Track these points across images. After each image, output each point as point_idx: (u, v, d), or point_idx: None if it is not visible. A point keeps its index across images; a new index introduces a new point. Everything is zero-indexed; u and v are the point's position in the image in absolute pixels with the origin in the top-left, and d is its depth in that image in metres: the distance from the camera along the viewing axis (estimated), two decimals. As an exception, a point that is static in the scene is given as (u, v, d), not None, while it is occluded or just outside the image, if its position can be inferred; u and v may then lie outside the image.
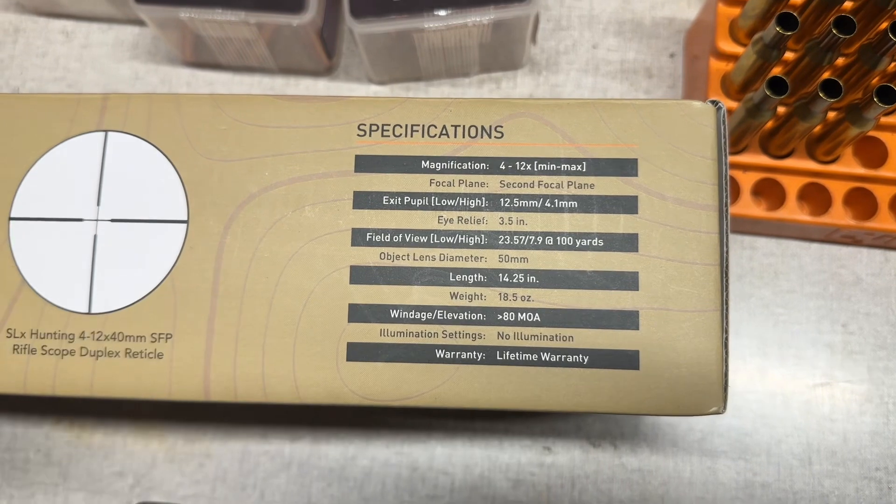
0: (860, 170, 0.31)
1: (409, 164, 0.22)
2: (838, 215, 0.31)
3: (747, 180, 0.31)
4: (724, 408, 0.21)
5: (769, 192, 0.32)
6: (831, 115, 0.29)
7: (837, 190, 0.31)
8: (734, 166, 0.31)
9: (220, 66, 0.35)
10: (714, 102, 0.22)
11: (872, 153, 0.31)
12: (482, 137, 0.23)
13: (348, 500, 0.31)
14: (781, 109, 0.29)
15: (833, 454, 0.31)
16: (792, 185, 0.31)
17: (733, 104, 0.31)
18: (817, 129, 0.30)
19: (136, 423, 0.32)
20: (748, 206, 0.31)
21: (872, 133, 0.30)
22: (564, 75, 0.35)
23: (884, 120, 0.30)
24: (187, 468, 0.32)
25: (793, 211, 0.31)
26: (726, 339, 0.21)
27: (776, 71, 0.29)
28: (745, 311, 0.32)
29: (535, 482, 0.31)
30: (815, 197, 0.31)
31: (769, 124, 0.30)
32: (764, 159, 0.31)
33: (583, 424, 0.31)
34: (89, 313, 0.22)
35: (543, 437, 0.31)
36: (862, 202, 0.31)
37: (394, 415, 0.32)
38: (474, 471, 0.31)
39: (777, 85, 0.26)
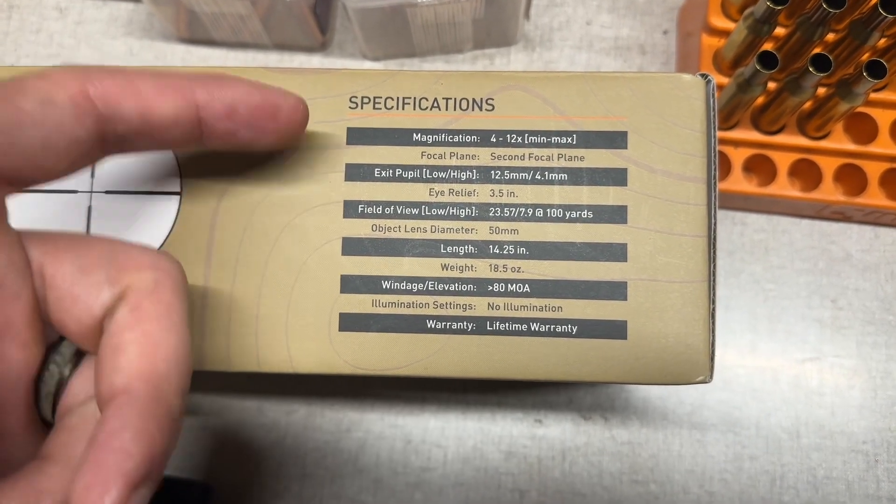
0: (851, 146, 0.31)
1: (400, 137, 0.23)
2: (828, 191, 0.31)
3: (738, 156, 0.31)
4: (711, 377, 0.21)
5: (760, 168, 0.32)
6: (821, 91, 0.29)
7: (828, 166, 0.31)
8: (726, 142, 0.31)
9: (215, 43, 0.36)
10: (703, 75, 0.22)
11: (863, 129, 0.31)
12: (473, 110, 0.23)
13: (343, 473, 0.31)
14: (772, 85, 0.29)
15: (821, 428, 0.32)
16: (783, 160, 0.31)
17: (725, 80, 0.31)
18: (808, 104, 0.30)
19: (132, 397, 0.32)
20: (739, 182, 0.31)
21: (863, 109, 0.31)
22: (558, 52, 0.35)
23: (874, 96, 0.30)
24: (183, 441, 0.32)
25: (783, 187, 0.31)
26: (713, 309, 0.22)
27: (767, 46, 0.29)
28: (736, 287, 0.33)
29: (526, 454, 0.31)
30: (806, 173, 0.32)
31: (760, 100, 0.30)
32: (755, 135, 0.31)
33: (574, 397, 0.32)
34: (84, 284, 0.22)
35: (535, 409, 0.32)
36: (852, 178, 0.31)
37: (387, 388, 0.32)
38: (467, 443, 0.32)
39: (767, 59, 0.27)
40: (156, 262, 0.17)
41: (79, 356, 0.18)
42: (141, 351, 0.16)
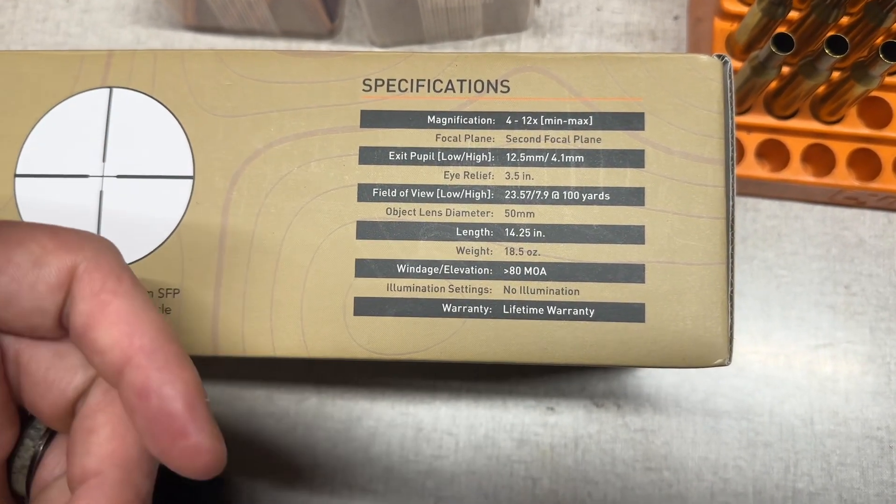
0: (864, 130, 0.31)
1: (414, 120, 0.22)
2: (842, 176, 0.31)
3: (751, 141, 0.31)
4: (730, 359, 0.21)
5: (773, 153, 0.32)
6: (835, 74, 0.29)
7: (841, 151, 0.31)
8: (738, 127, 0.31)
9: (223, 30, 0.35)
10: (720, 56, 0.22)
11: (877, 113, 0.31)
12: (488, 92, 0.22)
13: (354, 461, 0.31)
14: (786, 70, 0.29)
15: (835, 414, 0.31)
16: (796, 145, 0.31)
17: (738, 64, 0.30)
18: (822, 88, 0.30)
19: (142, 386, 0.32)
20: (752, 168, 0.31)
21: (877, 93, 0.30)
22: (569, 38, 0.35)
23: (889, 80, 0.30)
24: (194, 430, 0.32)
25: (797, 172, 0.31)
26: (732, 291, 0.21)
27: (781, 30, 0.29)
28: (748, 273, 0.32)
29: (538, 442, 0.31)
30: (819, 158, 0.31)
31: (774, 84, 0.30)
32: (768, 120, 0.31)
33: (586, 385, 0.32)
34: (97, 269, 0.22)
35: (547, 397, 0.32)
36: (866, 163, 0.31)
37: (398, 376, 0.32)
38: (479, 431, 0.31)
39: (783, 42, 0.26)
40: None
41: (53, 430, 0.18)
42: (112, 433, 0.16)
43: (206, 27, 0.35)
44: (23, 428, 0.18)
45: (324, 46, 0.35)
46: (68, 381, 0.17)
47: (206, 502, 0.30)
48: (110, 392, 0.17)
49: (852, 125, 0.31)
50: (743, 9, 0.31)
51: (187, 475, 0.16)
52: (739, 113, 0.31)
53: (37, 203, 0.22)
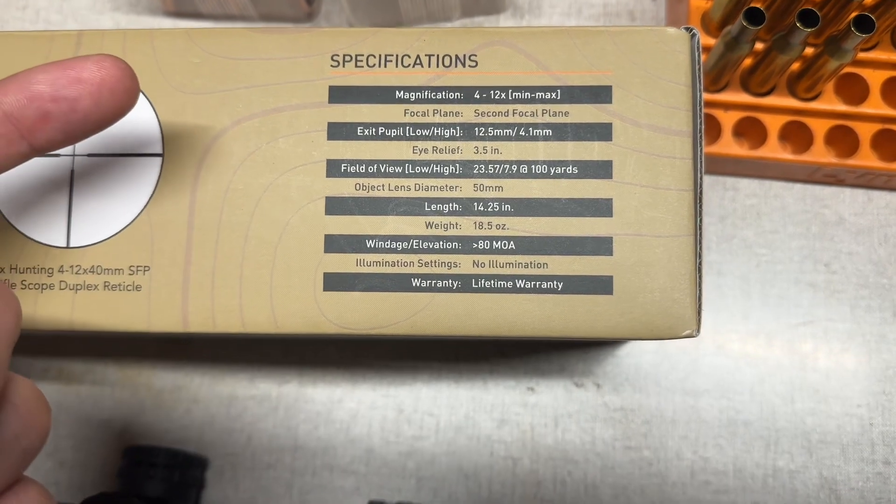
0: (842, 107, 0.31)
1: (383, 95, 0.22)
2: (820, 153, 0.31)
3: (728, 119, 0.31)
4: (698, 331, 0.21)
5: (751, 131, 0.31)
6: (810, 50, 0.29)
7: (819, 127, 0.31)
8: (715, 105, 0.31)
9: (202, 15, 0.35)
10: (688, 29, 0.22)
11: (853, 90, 0.31)
12: (456, 67, 0.22)
13: (335, 443, 0.31)
14: (760, 46, 0.29)
15: (815, 392, 0.31)
16: (773, 123, 0.31)
17: (713, 41, 0.30)
18: (797, 65, 0.30)
19: (123, 371, 0.32)
20: (730, 146, 0.31)
21: (853, 69, 0.30)
22: (547, 19, 0.35)
23: (865, 55, 0.30)
24: (175, 414, 0.32)
25: (774, 149, 0.31)
26: (700, 263, 0.21)
27: (754, 4, 0.29)
28: (728, 252, 0.32)
29: (519, 422, 0.31)
30: (797, 136, 0.31)
31: (749, 61, 0.30)
32: (745, 97, 0.31)
33: (566, 364, 0.32)
34: (68, 247, 0.22)
35: (527, 377, 0.32)
36: (844, 140, 0.31)
37: (379, 358, 0.32)
38: (459, 411, 0.31)
39: (754, 15, 0.26)
40: None
41: None
42: None
43: (185, 13, 0.35)
44: None
45: (303, 30, 0.35)
46: None
47: (188, 484, 0.30)
48: None
49: (829, 102, 0.31)
50: (719, -14, 0.31)
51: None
52: (716, 90, 0.31)
53: (9, 182, 0.22)
